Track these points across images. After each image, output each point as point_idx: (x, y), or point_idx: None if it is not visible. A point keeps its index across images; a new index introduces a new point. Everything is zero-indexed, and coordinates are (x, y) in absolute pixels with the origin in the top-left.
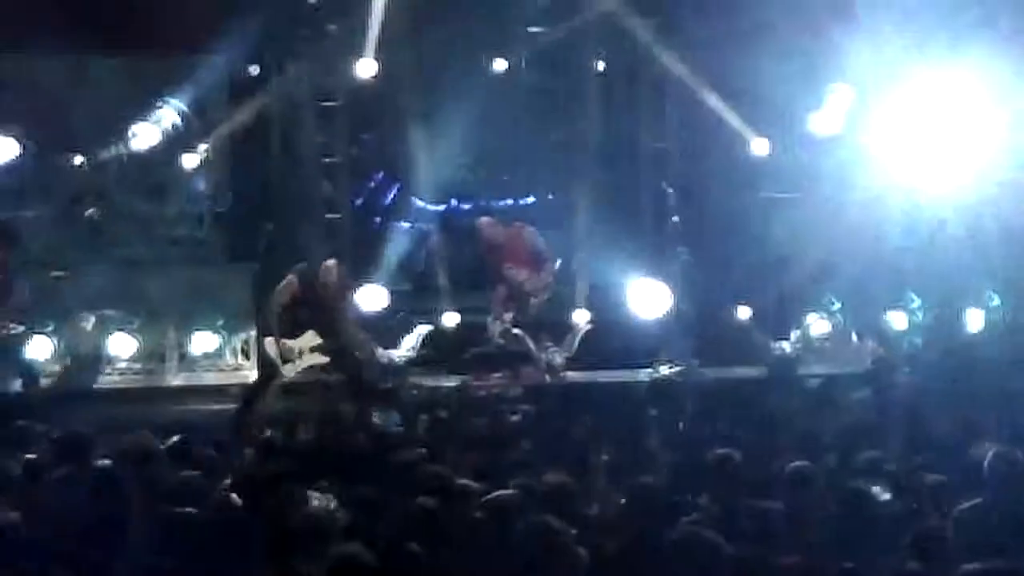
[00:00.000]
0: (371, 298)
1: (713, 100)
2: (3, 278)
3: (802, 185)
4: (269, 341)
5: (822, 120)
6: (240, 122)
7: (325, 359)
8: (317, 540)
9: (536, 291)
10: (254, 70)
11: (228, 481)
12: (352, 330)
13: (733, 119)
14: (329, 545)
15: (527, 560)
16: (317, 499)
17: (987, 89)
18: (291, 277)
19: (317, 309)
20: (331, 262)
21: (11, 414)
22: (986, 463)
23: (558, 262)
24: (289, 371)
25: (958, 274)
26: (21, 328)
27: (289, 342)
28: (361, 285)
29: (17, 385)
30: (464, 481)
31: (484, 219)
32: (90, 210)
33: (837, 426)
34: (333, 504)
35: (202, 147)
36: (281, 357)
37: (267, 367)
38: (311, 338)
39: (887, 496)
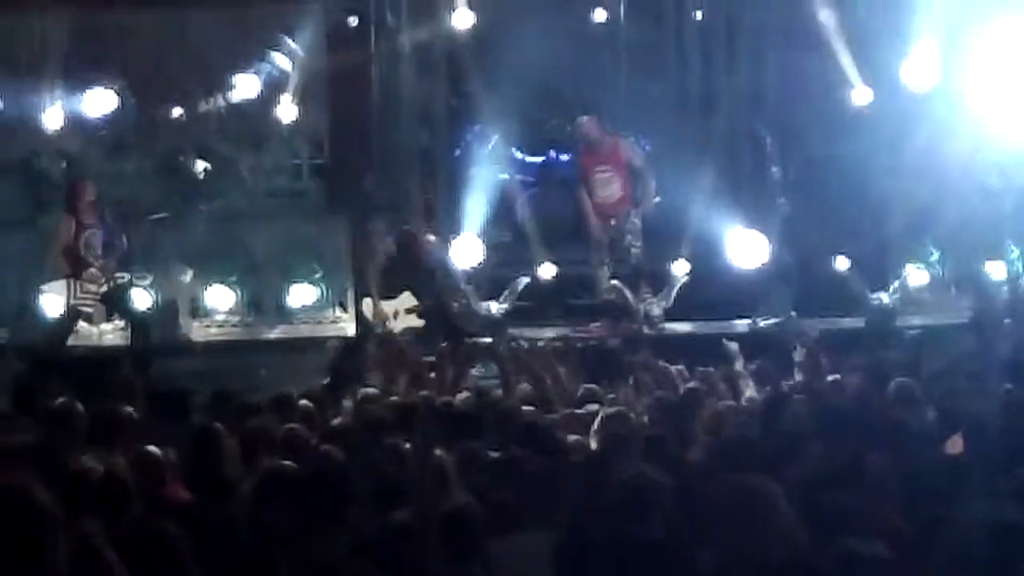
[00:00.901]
0: (467, 250)
1: (812, 49)
2: (104, 228)
3: (902, 134)
4: (367, 302)
5: (916, 72)
6: (339, 73)
7: (420, 321)
8: (432, 491)
9: (635, 205)
10: (353, 20)
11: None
12: (449, 283)
13: (833, 68)
14: (439, 496)
15: (625, 510)
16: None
17: None
18: (388, 239)
19: (413, 270)
20: (426, 238)
21: (114, 365)
22: None
23: (656, 198)
24: (385, 332)
25: None
26: (126, 278)
27: (385, 304)
28: (456, 237)
29: (124, 337)
30: (563, 432)
31: (585, 118)
32: (198, 164)
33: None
34: (438, 453)
35: (301, 98)
36: (377, 318)
37: (364, 326)
38: (407, 299)
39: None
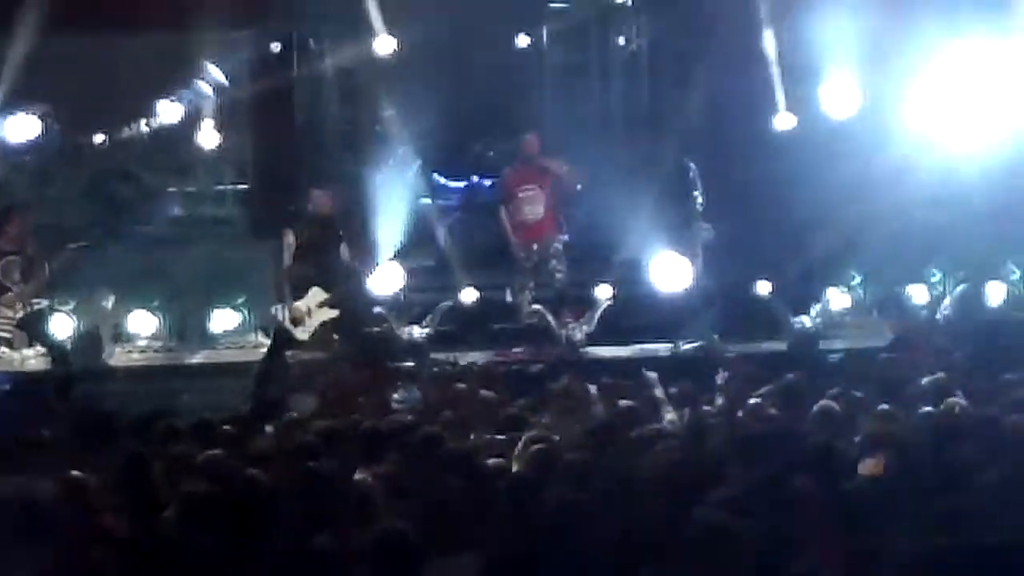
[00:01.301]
0: (388, 276)
1: (736, 74)
2: (24, 255)
3: (826, 160)
4: (279, 308)
5: (836, 99)
6: (263, 99)
7: (334, 313)
8: (359, 515)
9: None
10: (276, 46)
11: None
12: (360, 292)
13: (756, 93)
14: (371, 520)
15: (553, 534)
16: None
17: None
18: (288, 233)
19: (321, 246)
20: (318, 191)
21: (36, 391)
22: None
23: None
24: (302, 334)
25: (980, 248)
26: (44, 304)
27: (297, 304)
28: (378, 263)
29: (45, 362)
30: (486, 457)
31: (529, 135)
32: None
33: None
34: (370, 479)
35: (225, 125)
36: (292, 321)
37: (280, 334)
38: (317, 294)
39: None
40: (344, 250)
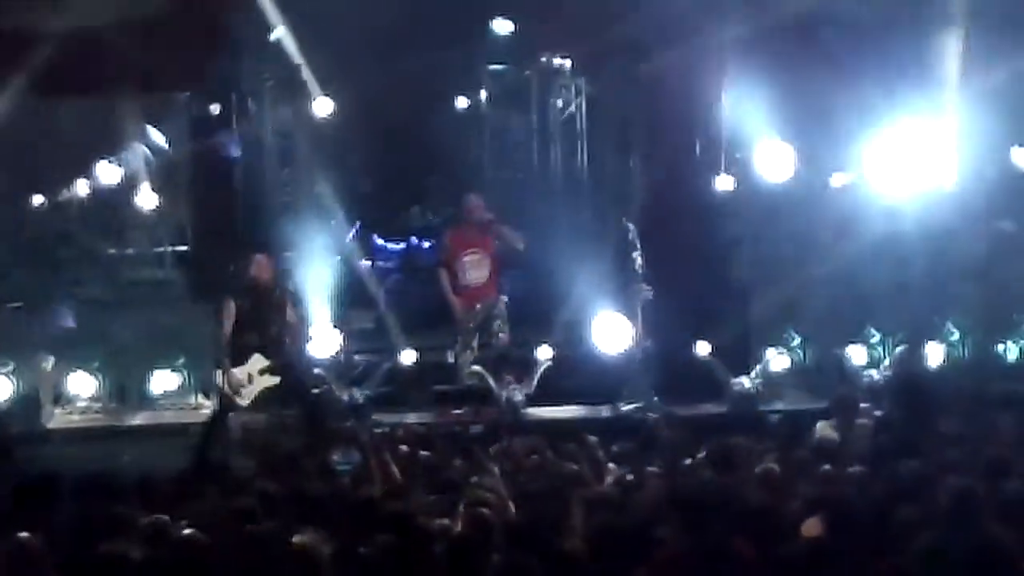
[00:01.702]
0: (325, 338)
1: (677, 138)
2: None
3: (763, 222)
4: (219, 373)
5: (771, 165)
6: (202, 161)
7: (275, 379)
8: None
9: (501, 292)
10: (215, 109)
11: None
12: (301, 356)
13: (696, 157)
14: None
15: None
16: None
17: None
18: (228, 301)
19: (262, 312)
20: (260, 256)
21: None
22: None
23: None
24: (244, 400)
25: (919, 309)
26: None
27: (236, 371)
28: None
29: None
30: (426, 519)
31: (473, 196)
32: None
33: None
34: (315, 538)
35: (163, 187)
36: (231, 388)
37: (222, 402)
38: (258, 361)
39: None
40: (286, 315)
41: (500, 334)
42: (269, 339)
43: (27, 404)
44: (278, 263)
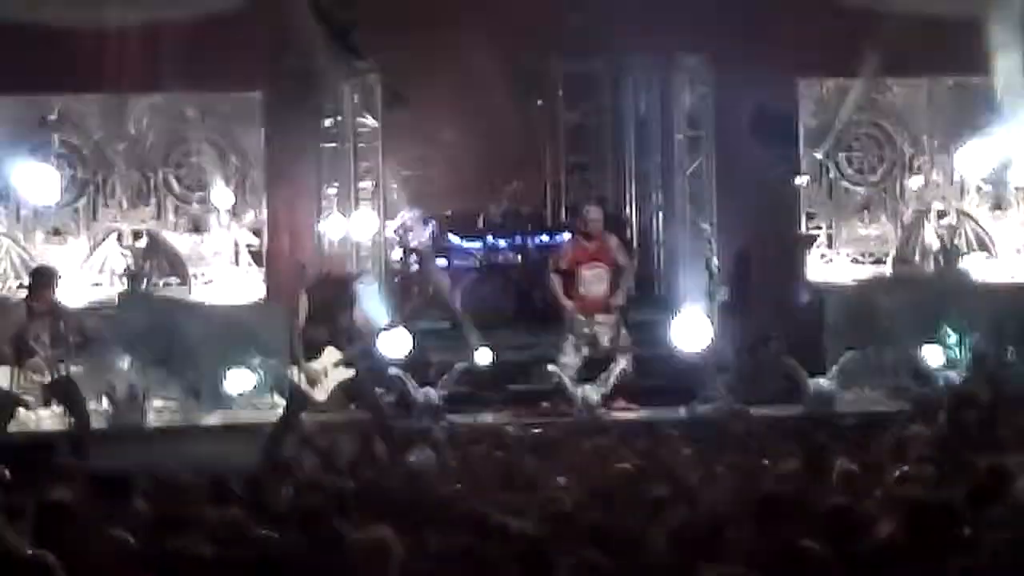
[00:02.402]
0: (398, 340)
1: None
2: (53, 318)
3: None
4: (295, 370)
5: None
6: (278, 159)
7: (350, 371)
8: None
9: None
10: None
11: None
12: (374, 352)
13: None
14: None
15: None
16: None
17: None
18: (301, 295)
19: (332, 306)
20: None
21: (51, 451)
22: None
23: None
24: (320, 394)
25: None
26: (71, 368)
27: (313, 365)
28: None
29: (57, 422)
30: (501, 518)
31: (594, 207)
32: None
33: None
34: (388, 534)
35: (240, 185)
36: (309, 382)
37: (295, 399)
38: (332, 354)
39: None
40: (358, 311)
41: (618, 349)
42: (340, 332)
43: (110, 405)
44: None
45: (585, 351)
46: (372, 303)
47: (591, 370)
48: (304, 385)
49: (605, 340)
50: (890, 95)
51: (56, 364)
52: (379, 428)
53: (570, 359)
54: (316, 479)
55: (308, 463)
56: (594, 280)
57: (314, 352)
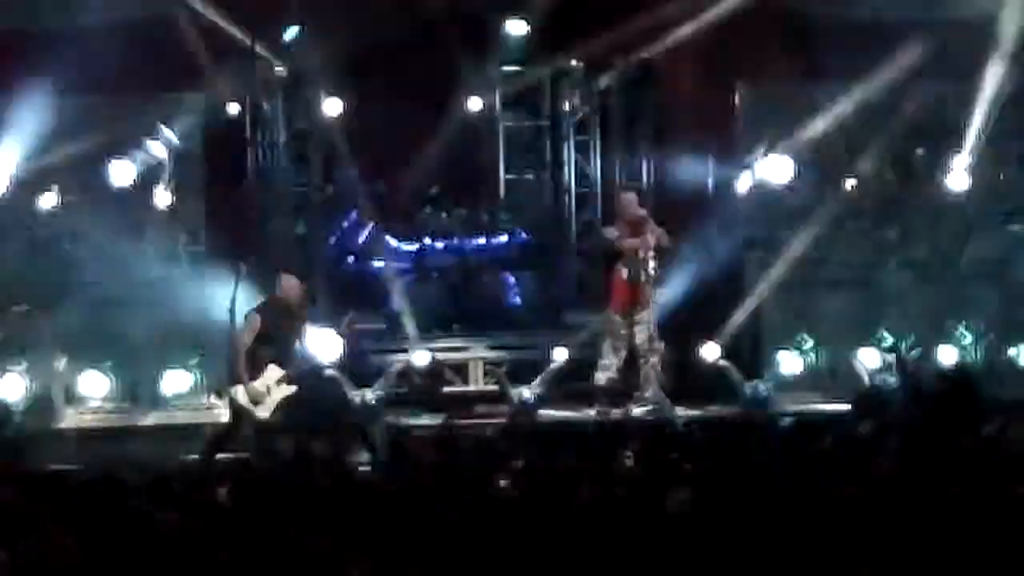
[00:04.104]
0: (329, 341)
1: (687, 138)
2: None
3: (778, 224)
4: (238, 389)
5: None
6: (216, 160)
7: (292, 388)
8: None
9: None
10: (232, 108)
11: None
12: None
13: (702, 157)
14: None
15: None
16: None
17: None
18: (252, 315)
19: (283, 329)
20: (288, 276)
21: None
22: None
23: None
24: (263, 412)
25: (931, 310)
26: None
27: (255, 383)
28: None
29: None
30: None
31: (630, 193)
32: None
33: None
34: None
35: (178, 186)
36: (252, 400)
37: (237, 416)
38: (274, 371)
39: None
40: (304, 331)
41: (651, 349)
42: (288, 353)
43: (42, 405)
44: (308, 285)
45: (623, 352)
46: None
47: (628, 373)
48: (247, 403)
49: (639, 340)
50: None
51: None
52: (322, 431)
53: (610, 361)
54: (256, 479)
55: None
56: (632, 263)
57: (256, 370)
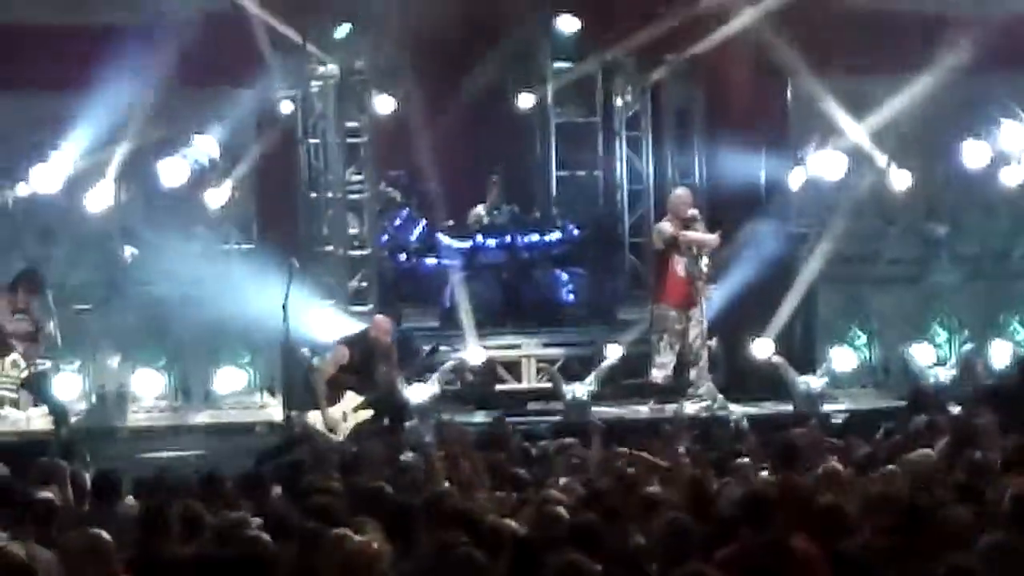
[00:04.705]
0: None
1: (739, 133)
2: (31, 315)
3: (828, 218)
4: (314, 415)
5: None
6: (268, 158)
7: (368, 413)
8: None
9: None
10: (286, 106)
11: (259, 521)
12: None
13: (754, 152)
14: None
15: None
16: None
17: None
18: (340, 348)
19: (369, 366)
20: (380, 317)
21: (40, 451)
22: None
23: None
24: (339, 437)
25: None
26: (48, 364)
27: (332, 411)
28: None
29: (46, 422)
30: (493, 518)
31: (682, 190)
32: (126, 249)
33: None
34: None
35: (230, 183)
36: (328, 428)
37: (297, 439)
38: (352, 399)
39: None
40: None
41: (703, 345)
42: (367, 384)
43: (94, 403)
44: (397, 325)
45: (678, 347)
46: None
47: (679, 370)
48: (323, 429)
49: (692, 336)
50: None
51: (34, 361)
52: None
53: (668, 359)
54: (308, 480)
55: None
56: (687, 263)
57: (335, 396)
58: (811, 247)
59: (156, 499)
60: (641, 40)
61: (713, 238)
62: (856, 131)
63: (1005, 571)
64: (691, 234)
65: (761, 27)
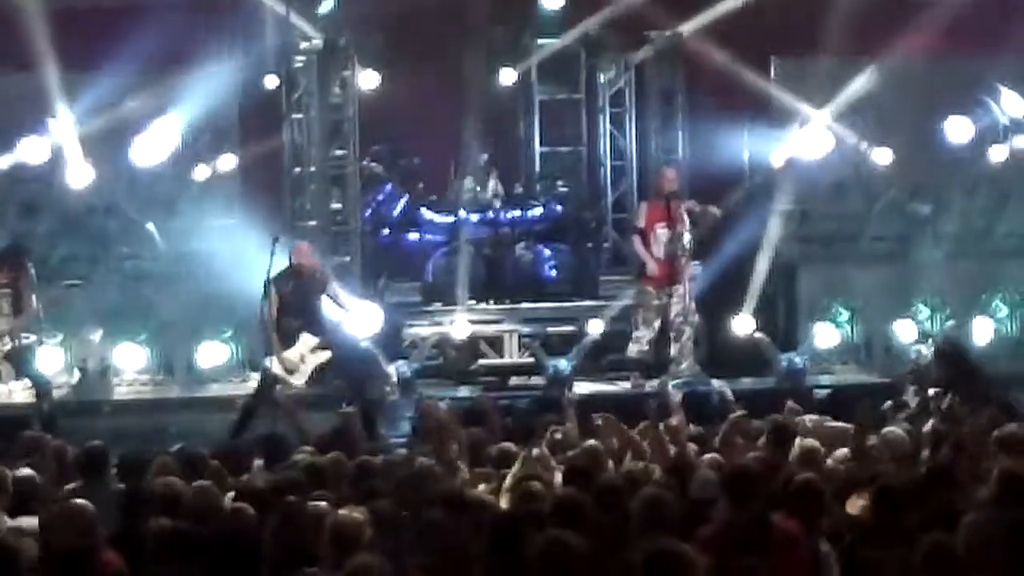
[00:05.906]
0: (368, 315)
1: (722, 111)
2: (15, 293)
3: (810, 196)
4: (272, 359)
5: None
6: (251, 134)
7: (327, 354)
8: (340, 552)
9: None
10: (271, 81)
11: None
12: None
13: (737, 130)
14: (350, 557)
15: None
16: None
17: None
18: (270, 286)
19: (303, 296)
20: (300, 242)
21: (22, 425)
22: None
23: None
24: (298, 380)
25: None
26: (32, 338)
27: (288, 353)
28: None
29: (29, 395)
30: (475, 494)
31: (669, 168)
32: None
33: None
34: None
35: (212, 159)
36: (286, 370)
37: (266, 386)
38: (307, 340)
39: None
40: (327, 295)
41: (686, 322)
42: (315, 320)
43: (81, 377)
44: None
45: (657, 324)
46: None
47: (660, 346)
48: (281, 373)
49: (674, 312)
50: None
51: (17, 335)
52: (358, 403)
53: (642, 333)
54: (289, 454)
55: (282, 436)
56: (663, 239)
57: (288, 340)
58: (793, 225)
59: (137, 475)
60: (625, 17)
61: (716, 209)
62: (836, 109)
63: (987, 550)
64: (659, 231)
65: (745, 6)
